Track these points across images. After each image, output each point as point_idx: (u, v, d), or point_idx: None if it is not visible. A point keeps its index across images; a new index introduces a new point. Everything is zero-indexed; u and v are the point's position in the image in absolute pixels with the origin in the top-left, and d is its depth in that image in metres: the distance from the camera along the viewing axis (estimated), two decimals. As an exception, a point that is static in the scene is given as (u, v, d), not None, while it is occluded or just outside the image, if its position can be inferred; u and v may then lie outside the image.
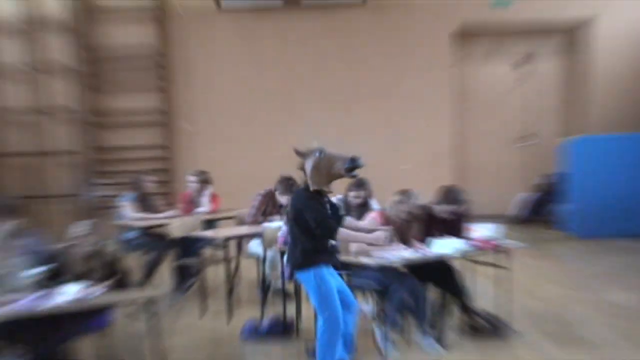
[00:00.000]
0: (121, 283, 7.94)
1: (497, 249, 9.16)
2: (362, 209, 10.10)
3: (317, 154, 7.51)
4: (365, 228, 8.34)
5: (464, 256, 9.16)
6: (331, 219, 7.58)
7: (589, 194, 13.88)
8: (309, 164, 7.51)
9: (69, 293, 7.56)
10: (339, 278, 7.78)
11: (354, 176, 7.45)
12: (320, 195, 7.54)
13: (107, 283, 7.82)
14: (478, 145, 15.74)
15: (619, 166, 13.88)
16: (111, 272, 7.96)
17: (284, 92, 15.14)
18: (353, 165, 7.40)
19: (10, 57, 14.88)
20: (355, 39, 15.04)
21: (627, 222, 13.86)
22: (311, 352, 8.59)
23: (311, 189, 7.52)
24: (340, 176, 7.48)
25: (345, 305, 7.77)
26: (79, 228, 7.91)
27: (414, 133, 14.95)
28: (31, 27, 14.73)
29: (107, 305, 7.77)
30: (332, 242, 7.64)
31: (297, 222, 7.54)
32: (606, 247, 13.34)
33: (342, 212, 7.86)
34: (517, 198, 15.35)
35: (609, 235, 13.83)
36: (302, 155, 7.58)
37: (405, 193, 9.09)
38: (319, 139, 14.54)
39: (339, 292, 7.72)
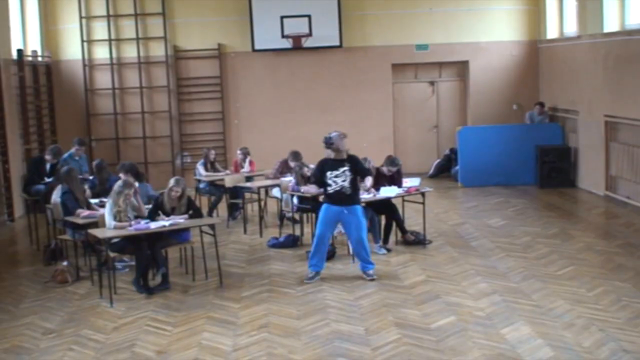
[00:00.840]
0: (196, 214, 7.86)
1: (417, 192, 9.11)
2: None
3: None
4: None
5: (399, 196, 9.10)
6: (314, 178, 7.66)
7: (471, 160, 13.79)
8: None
9: (164, 221, 7.52)
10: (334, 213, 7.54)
11: (326, 147, 7.52)
12: (324, 161, 7.54)
13: (188, 214, 7.75)
14: (408, 131, 15.58)
15: (489, 144, 13.78)
16: (189, 208, 7.87)
17: (291, 102, 15.04)
18: (324, 141, 7.53)
19: (130, 81, 14.64)
20: (334, 68, 14.93)
21: (494, 176, 13.78)
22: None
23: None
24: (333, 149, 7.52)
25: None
26: (171, 182, 7.84)
27: (370, 124, 14.84)
28: (142, 62, 14.52)
29: (187, 227, 7.68)
30: (334, 189, 7.44)
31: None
32: (482, 191, 13.24)
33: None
34: (433, 163, 15.25)
35: (481, 184, 13.65)
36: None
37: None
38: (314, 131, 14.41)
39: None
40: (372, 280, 7.59)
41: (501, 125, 14.32)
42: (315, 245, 7.63)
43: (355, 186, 7.52)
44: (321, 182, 7.55)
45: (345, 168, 7.47)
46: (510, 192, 13.03)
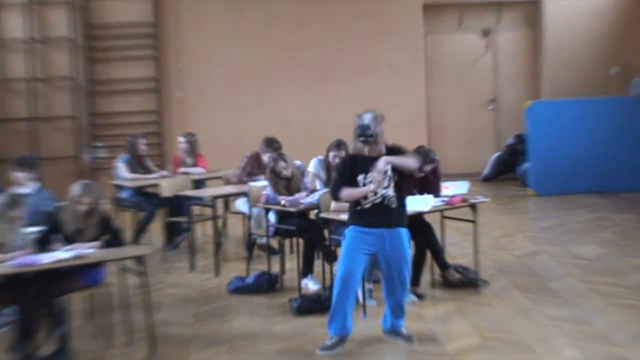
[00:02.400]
0: (113, 241, 7.79)
1: (465, 204, 9.08)
2: None
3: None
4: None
5: (436, 211, 9.13)
6: (341, 181, 7.31)
7: (548, 153, 13.80)
8: None
9: (64, 251, 7.43)
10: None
11: (364, 141, 7.22)
12: (352, 158, 7.34)
13: (100, 241, 7.68)
14: (449, 109, 15.58)
15: (575, 128, 13.83)
16: (104, 231, 7.79)
17: (267, 64, 15.10)
18: (361, 132, 7.23)
19: (15, 31, 14.67)
20: (334, 14, 14.93)
21: (584, 178, 13.81)
22: (294, 307, 8.46)
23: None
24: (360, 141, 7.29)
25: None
26: (75, 189, 7.73)
27: (390, 99, 14.84)
28: (33, 2, 14.51)
29: (100, 262, 7.61)
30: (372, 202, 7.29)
31: None
32: (565, 202, 13.34)
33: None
34: (489, 158, 15.31)
35: (563, 192, 13.85)
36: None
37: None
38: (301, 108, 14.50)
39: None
40: (411, 341, 7.54)
41: (593, 99, 14.43)
42: (337, 293, 7.38)
43: (402, 196, 7.36)
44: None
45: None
46: (611, 204, 13.10)
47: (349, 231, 7.37)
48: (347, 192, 7.23)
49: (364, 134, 7.20)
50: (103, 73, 15.03)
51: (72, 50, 14.75)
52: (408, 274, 7.51)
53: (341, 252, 7.44)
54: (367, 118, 7.26)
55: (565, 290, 9.00)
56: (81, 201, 7.68)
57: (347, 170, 7.31)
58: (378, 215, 7.23)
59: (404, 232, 7.39)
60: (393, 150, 7.31)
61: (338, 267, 7.47)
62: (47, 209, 8.60)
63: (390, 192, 7.23)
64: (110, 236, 7.74)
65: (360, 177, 7.20)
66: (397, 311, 7.58)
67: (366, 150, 7.26)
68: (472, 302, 8.72)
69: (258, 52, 15.13)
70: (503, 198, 13.94)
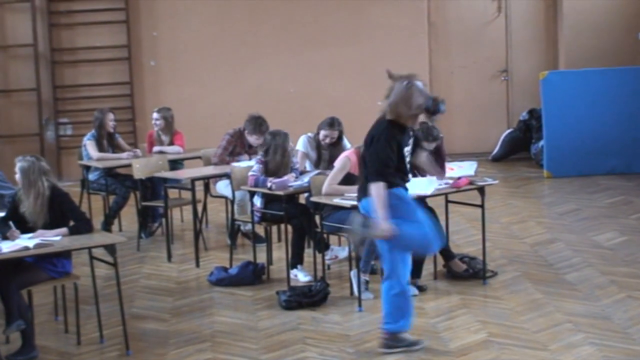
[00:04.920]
0: (82, 226, 7.78)
1: (473, 187, 9.08)
2: (334, 148, 9.99)
3: (404, 83, 7.15)
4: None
5: (440, 194, 9.15)
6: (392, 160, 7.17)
7: (565, 130, 13.82)
8: (394, 92, 7.17)
9: (26, 239, 7.45)
10: None
11: (431, 117, 7.28)
12: (399, 128, 7.21)
13: (68, 228, 7.69)
14: (455, 80, 15.59)
15: (597, 101, 13.84)
16: (70, 216, 7.77)
17: (252, 31, 15.00)
18: (434, 106, 7.14)
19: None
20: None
21: (605, 158, 13.82)
22: (282, 301, 8.57)
23: (387, 117, 7.20)
24: (419, 113, 7.21)
25: None
26: (17, 167, 7.68)
27: (389, 67, 14.73)
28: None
29: (68, 250, 7.63)
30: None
31: (368, 149, 7.24)
32: (583, 185, 13.38)
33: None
34: (500, 135, 15.31)
35: (584, 173, 13.87)
36: (392, 78, 7.24)
37: None
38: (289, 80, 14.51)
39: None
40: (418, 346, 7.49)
41: (617, 69, 14.40)
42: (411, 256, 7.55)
43: None
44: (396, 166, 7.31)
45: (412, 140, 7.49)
46: (635, 187, 13.16)
47: (400, 192, 7.25)
48: (382, 201, 7.03)
49: (433, 107, 7.17)
50: (67, 40, 14.94)
51: (31, 13, 14.63)
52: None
53: (403, 217, 7.16)
54: (424, 88, 7.26)
55: (583, 282, 9.04)
56: (30, 181, 7.68)
57: (394, 142, 7.17)
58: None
59: None
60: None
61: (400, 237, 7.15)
62: (4, 193, 8.65)
63: None
64: (76, 223, 7.73)
65: (405, 150, 7.28)
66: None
67: (413, 123, 7.34)
68: (479, 296, 8.78)
69: (241, 16, 15.03)
70: (514, 180, 13.97)
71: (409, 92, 7.10)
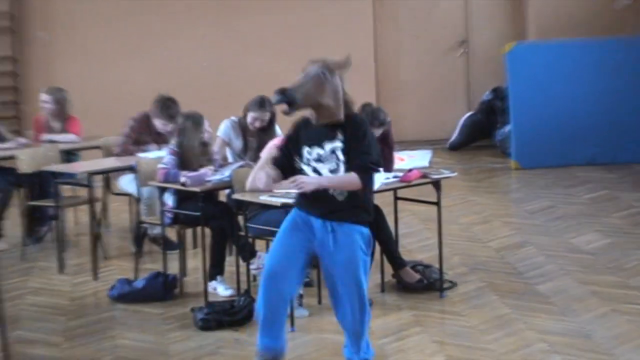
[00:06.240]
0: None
1: (426, 180, 9.12)
2: (263, 134, 10.00)
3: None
4: None
5: (388, 189, 9.16)
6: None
7: (535, 113, 13.90)
8: None
9: None
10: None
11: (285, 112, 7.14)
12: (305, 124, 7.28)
13: None
14: (407, 54, 15.69)
15: (572, 78, 13.97)
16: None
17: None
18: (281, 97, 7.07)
19: None
20: None
21: (582, 146, 13.94)
22: (199, 320, 8.52)
23: None
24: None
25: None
26: None
27: (327, 40, 14.86)
28: None
29: None
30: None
31: None
32: (557, 177, 13.56)
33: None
34: (459, 119, 15.41)
35: (559, 164, 14.07)
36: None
37: None
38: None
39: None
40: None
41: (594, 41, 14.60)
42: (262, 298, 7.36)
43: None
44: (287, 167, 7.33)
45: (336, 144, 7.24)
46: (618, 180, 13.34)
47: (289, 217, 7.39)
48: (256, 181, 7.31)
49: (281, 98, 7.07)
50: None
51: None
52: (365, 285, 7.36)
53: (274, 241, 7.39)
54: (302, 76, 7.16)
55: (558, 294, 9.09)
56: None
57: (290, 140, 7.31)
58: (319, 201, 7.21)
59: (358, 230, 7.31)
60: (353, 120, 7.28)
61: (266, 260, 7.45)
62: None
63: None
64: None
65: (305, 150, 7.23)
66: (353, 340, 7.40)
67: (313, 118, 7.22)
68: (435, 311, 8.79)
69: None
70: (476, 172, 14.11)
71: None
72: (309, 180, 7.19)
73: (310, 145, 7.21)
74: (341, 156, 7.15)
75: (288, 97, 7.00)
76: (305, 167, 7.21)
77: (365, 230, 7.31)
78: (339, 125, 7.17)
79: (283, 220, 7.48)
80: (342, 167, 7.18)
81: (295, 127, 7.35)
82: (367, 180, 7.29)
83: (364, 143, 7.19)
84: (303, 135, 7.25)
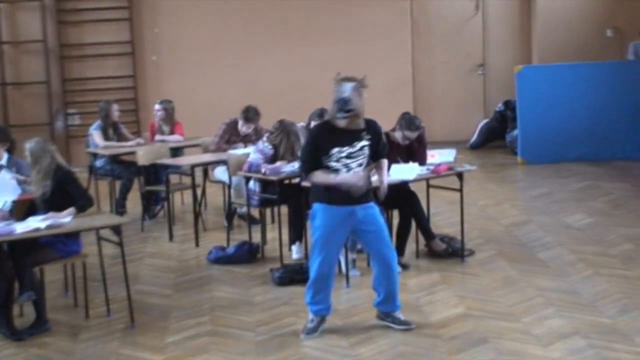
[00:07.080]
0: (83, 204, 7.74)
1: (452, 172, 9.13)
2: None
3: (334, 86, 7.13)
4: None
5: (422, 179, 9.17)
6: (311, 153, 7.13)
7: (538, 120, 13.85)
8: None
9: (38, 220, 7.45)
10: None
11: (344, 117, 6.98)
12: (329, 128, 7.13)
13: (72, 208, 7.64)
14: (436, 74, 15.62)
15: (567, 94, 13.88)
16: (75, 197, 7.72)
17: (247, 26, 15.06)
18: (340, 107, 6.96)
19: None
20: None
21: (575, 146, 13.89)
22: (276, 278, 8.61)
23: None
24: (334, 114, 7.06)
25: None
26: (29, 144, 7.74)
27: (373, 62, 14.77)
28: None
29: (77, 230, 7.64)
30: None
31: None
32: (555, 171, 13.41)
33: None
34: (477, 125, 15.33)
35: (556, 160, 13.90)
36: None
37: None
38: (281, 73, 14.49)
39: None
40: (409, 329, 7.38)
41: (587, 64, 14.41)
42: (315, 272, 7.25)
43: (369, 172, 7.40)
44: (315, 169, 7.18)
45: (364, 143, 7.17)
46: (602, 172, 13.20)
47: (320, 210, 7.19)
48: (320, 178, 7.08)
49: (344, 109, 6.95)
50: (74, 36, 14.95)
51: (41, 12, 14.65)
52: (392, 248, 7.44)
53: (315, 231, 7.25)
54: (347, 89, 6.99)
55: (554, 260, 9.10)
56: (36, 157, 7.69)
57: (321, 140, 7.12)
58: (349, 192, 7.06)
59: (375, 207, 7.31)
60: (372, 124, 7.24)
61: (314, 248, 7.32)
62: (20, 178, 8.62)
63: (364, 170, 7.20)
64: (78, 202, 7.67)
65: (335, 150, 7.05)
66: (387, 293, 7.36)
67: (343, 123, 7.05)
68: (457, 273, 8.83)
69: (236, 14, 15.02)
70: (491, 166, 14.02)
71: (334, 95, 7.07)
72: (385, 186, 7.37)
73: (341, 146, 7.04)
74: (367, 152, 7.18)
75: (355, 108, 6.98)
76: (334, 164, 7.05)
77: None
78: (362, 128, 7.14)
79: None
80: (367, 161, 7.21)
81: (318, 133, 7.21)
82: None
83: (382, 140, 7.39)
84: (330, 139, 7.06)
